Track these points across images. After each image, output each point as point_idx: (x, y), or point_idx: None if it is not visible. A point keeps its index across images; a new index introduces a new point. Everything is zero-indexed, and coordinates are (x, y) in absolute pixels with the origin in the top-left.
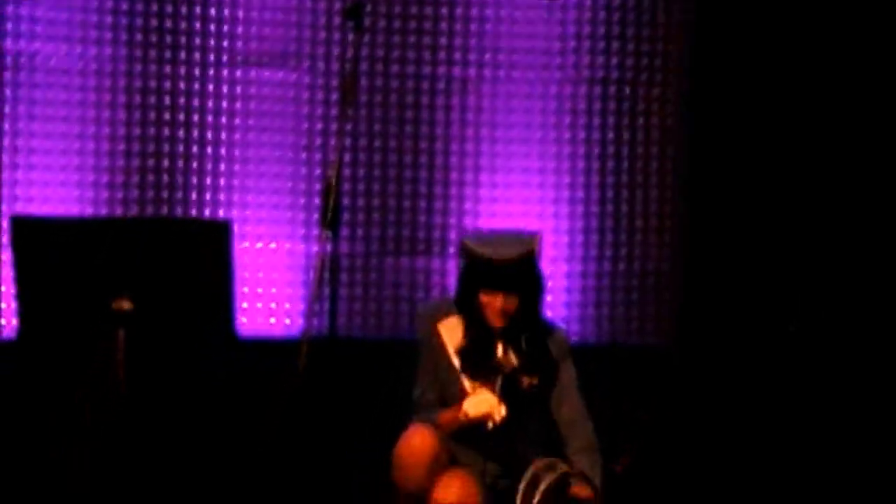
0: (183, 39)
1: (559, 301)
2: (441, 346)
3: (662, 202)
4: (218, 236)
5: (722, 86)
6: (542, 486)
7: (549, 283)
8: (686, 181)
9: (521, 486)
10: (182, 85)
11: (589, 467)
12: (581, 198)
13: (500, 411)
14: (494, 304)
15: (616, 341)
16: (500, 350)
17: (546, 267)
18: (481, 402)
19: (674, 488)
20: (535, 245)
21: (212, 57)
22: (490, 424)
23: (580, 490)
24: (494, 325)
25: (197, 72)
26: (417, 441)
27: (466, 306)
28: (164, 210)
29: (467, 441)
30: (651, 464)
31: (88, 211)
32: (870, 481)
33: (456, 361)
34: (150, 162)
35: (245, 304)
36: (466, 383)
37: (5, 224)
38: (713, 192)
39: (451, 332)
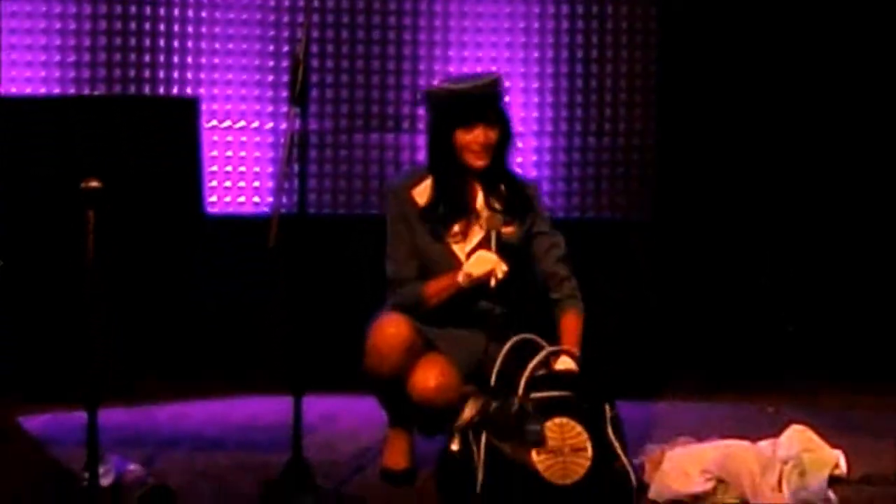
0: None
1: (530, 175)
2: (418, 214)
3: (634, 75)
4: (185, 114)
5: None
6: (526, 372)
7: (521, 159)
8: (661, 52)
9: (499, 360)
10: None
11: (573, 328)
12: (551, 72)
13: (502, 267)
14: (476, 139)
15: (588, 216)
16: (479, 198)
17: (518, 142)
18: (481, 261)
19: (653, 363)
20: (499, 76)
21: None
22: (493, 282)
23: (564, 364)
24: (476, 165)
25: None
26: (392, 329)
27: (442, 154)
28: (132, 89)
29: (464, 320)
30: (630, 338)
31: (55, 90)
32: (845, 346)
33: (434, 222)
34: (117, 40)
35: (214, 183)
36: (456, 247)
37: None
38: (689, 64)
39: (427, 196)
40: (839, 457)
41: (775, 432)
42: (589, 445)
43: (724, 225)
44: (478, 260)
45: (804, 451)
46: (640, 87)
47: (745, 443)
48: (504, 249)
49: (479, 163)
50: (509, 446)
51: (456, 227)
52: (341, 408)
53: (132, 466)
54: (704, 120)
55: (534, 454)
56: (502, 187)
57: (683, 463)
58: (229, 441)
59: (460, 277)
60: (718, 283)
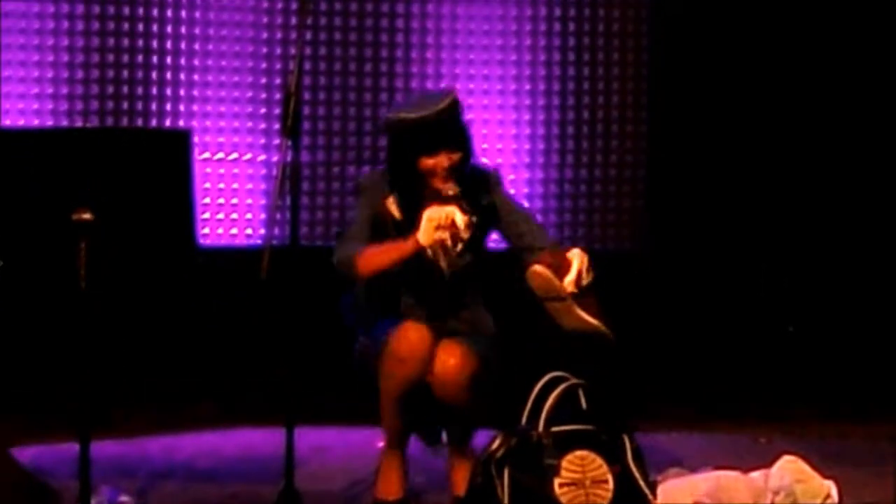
0: None
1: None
2: (387, 216)
3: (625, 106)
4: (178, 146)
5: None
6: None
7: (512, 191)
8: (651, 82)
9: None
10: None
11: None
12: (543, 104)
13: (464, 218)
14: (440, 163)
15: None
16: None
17: (510, 173)
18: (441, 209)
19: (645, 394)
20: (455, 95)
21: None
22: (447, 235)
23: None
24: (442, 188)
25: None
26: (414, 334)
27: (407, 180)
28: (124, 121)
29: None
30: (619, 368)
31: (48, 122)
32: (836, 374)
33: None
34: (110, 73)
35: (207, 215)
36: (430, 252)
37: None
38: (678, 95)
39: (397, 209)
40: (831, 487)
41: (767, 463)
42: (610, 477)
43: (716, 256)
44: (437, 208)
45: (796, 481)
46: (632, 117)
47: (737, 474)
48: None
49: (444, 185)
50: (531, 480)
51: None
52: (333, 439)
53: (124, 498)
54: (696, 145)
55: (556, 487)
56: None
57: (676, 494)
58: (222, 473)
59: (420, 231)
60: (710, 313)
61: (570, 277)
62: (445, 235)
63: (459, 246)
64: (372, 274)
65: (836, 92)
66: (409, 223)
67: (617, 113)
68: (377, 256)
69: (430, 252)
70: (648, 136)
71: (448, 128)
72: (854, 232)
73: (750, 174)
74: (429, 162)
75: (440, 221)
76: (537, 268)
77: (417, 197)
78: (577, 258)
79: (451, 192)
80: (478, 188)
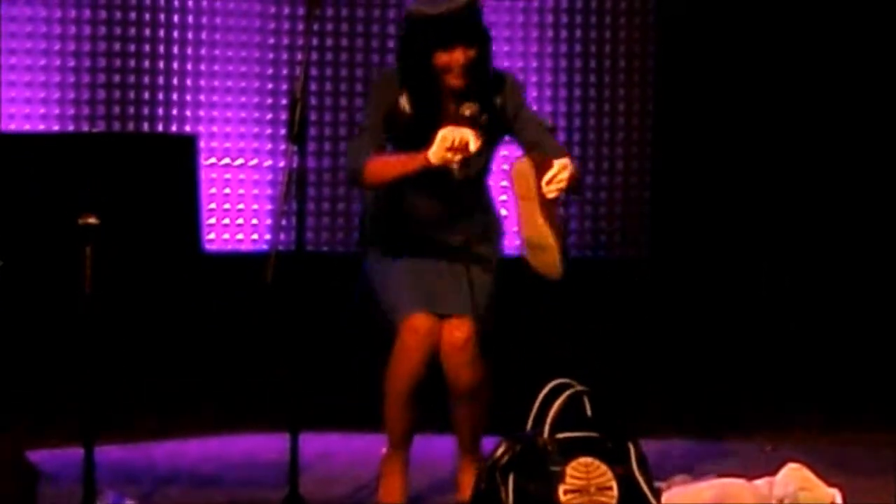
0: None
1: None
2: (398, 114)
3: (631, 113)
4: (184, 151)
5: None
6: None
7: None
8: (656, 91)
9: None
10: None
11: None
12: (549, 111)
13: (476, 141)
14: (455, 60)
15: (586, 255)
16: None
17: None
18: (456, 128)
19: (646, 401)
20: None
21: None
22: (458, 158)
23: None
24: (455, 85)
25: None
26: (423, 326)
27: (421, 75)
28: (130, 126)
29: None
30: (621, 377)
31: (54, 127)
32: (840, 381)
33: (418, 134)
34: (116, 78)
35: (213, 220)
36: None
37: None
38: (683, 101)
39: (410, 107)
40: (836, 495)
41: (772, 471)
42: (614, 484)
43: (719, 263)
44: (452, 127)
45: (801, 489)
46: (637, 125)
47: (742, 481)
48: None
49: (457, 83)
50: (536, 486)
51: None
52: (338, 445)
53: (129, 503)
54: (698, 150)
55: (561, 493)
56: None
57: (680, 502)
58: (226, 478)
59: (432, 148)
60: (714, 320)
61: (546, 177)
62: (457, 158)
63: (468, 164)
64: (378, 185)
65: (836, 95)
66: (421, 121)
67: (623, 120)
68: (385, 169)
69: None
70: (653, 143)
71: (466, 24)
72: (856, 237)
73: (753, 178)
74: (444, 57)
75: (453, 143)
76: (521, 161)
77: (431, 95)
78: (559, 165)
79: (467, 113)
80: (494, 90)
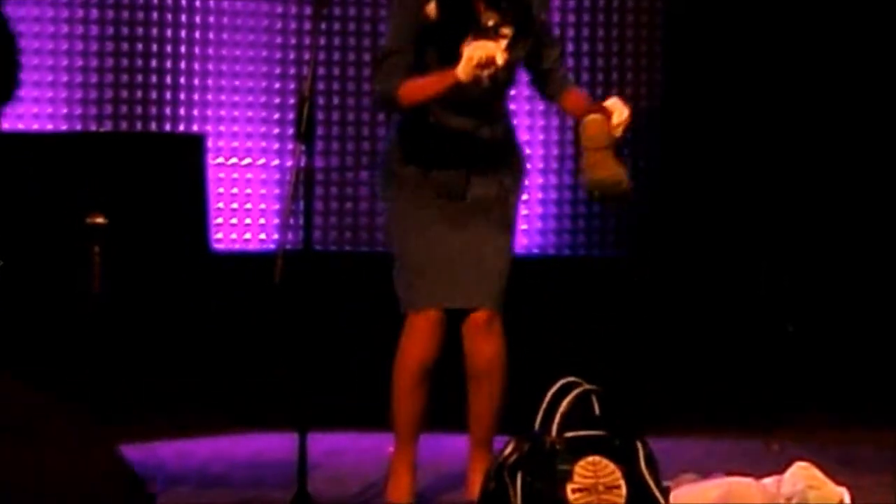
0: None
1: (537, 213)
2: (428, 28)
3: (637, 114)
4: (191, 151)
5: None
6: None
7: (527, 196)
8: (647, 95)
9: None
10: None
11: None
12: (541, 110)
13: (502, 55)
14: None
15: (581, 253)
16: (486, 17)
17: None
18: (482, 46)
19: (653, 400)
20: None
21: None
22: (491, 70)
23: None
24: (483, 18)
25: None
26: (428, 323)
27: None
28: (138, 125)
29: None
30: (627, 376)
31: (62, 127)
32: (848, 379)
33: (443, 40)
34: (124, 77)
35: (220, 220)
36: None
37: None
38: (673, 104)
39: (436, 13)
40: (844, 494)
41: (780, 469)
42: (623, 483)
43: (718, 260)
44: (477, 44)
45: (809, 487)
46: (644, 124)
47: (750, 480)
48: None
49: (484, 13)
50: (544, 485)
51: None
52: (346, 444)
53: None
54: (697, 150)
55: (569, 492)
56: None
57: (688, 500)
58: (235, 478)
59: (460, 65)
60: (716, 317)
61: (618, 121)
62: (486, 73)
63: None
64: (413, 106)
65: (835, 94)
66: (446, 28)
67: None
68: (418, 91)
69: None
70: (636, 142)
71: None
72: (858, 235)
73: (750, 176)
74: None
75: (480, 61)
76: (596, 116)
77: (458, 4)
78: (619, 108)
79: (490, 23)
80: (524, 13)
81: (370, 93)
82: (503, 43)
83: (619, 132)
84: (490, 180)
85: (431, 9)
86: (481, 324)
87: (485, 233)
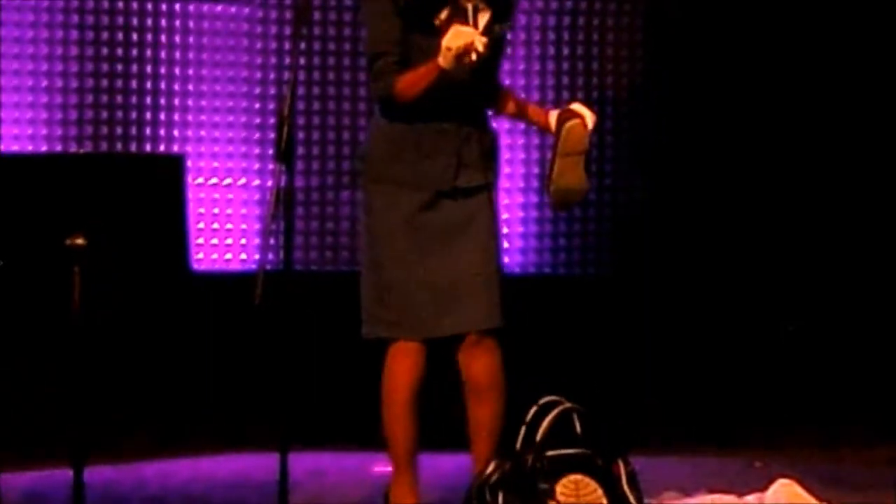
0: None
1: (516, 231)
2: (404, 4)
3: (621, 131)
4: (171, 171)
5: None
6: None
7: (507, 215)
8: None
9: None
10: (135, 20)
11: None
12: (521, 129)
13: (481, 40)
14: None
15: (560, 272)
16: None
17: (504, 198)
18: (459, 34)
19: (634, 418)
20: None
21: None
22: (473, 57)
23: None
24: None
25: (149, 6)
26: (407, 360)
27: None
28: (118, 146)
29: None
30: (607, 394)
31: (42, 148)
32: (834, 396)
33: (421, 13)
34: (104, 98)
35: (200, 240)
36: (442, 15)
37: None
38: (657, 121)
39: None
40: None
41: (762, 487)
42: (605, 501)
43: (699, 279)
44: (455, 33)
45: None
46: (627, 141)
47: (732, 497)
48: (485, 33)
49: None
50: None
51: (443, 15)
52: (328, 463)
53: None
54: (683, 164)
55: None
56: None
57: None
58: (216, 498)
59: (440, 57)
60: (700, 335)
61: (591, 126)
62: (466, 61)
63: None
64: (411, 100)
65: (826, 96)
66: (418, 4)
67: (612, 138)
68: (411, 87)
69: None
70: (616, 160)
71: None
72: (845, 244)
73: (735, 192)
74: None
75: (459, 50)
76: (577, 122)
77: None
78: (588, 112)
79: (469, 4)
80: None
81: (366, 97)
82: (482, 20)
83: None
84: (476, 171)
85: None
86: (473, 344)
87: (470, 246)
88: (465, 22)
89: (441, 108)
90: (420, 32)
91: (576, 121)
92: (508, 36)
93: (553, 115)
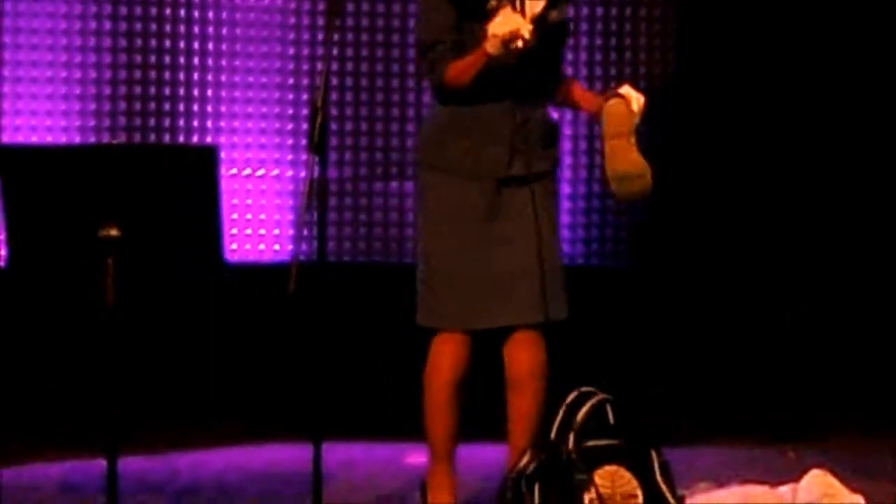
0: None
1: None
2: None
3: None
4: (204, 162)
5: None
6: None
7: None
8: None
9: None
10: (167, 11)
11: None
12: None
13: (527, 28)
14: None
15: (580, 262)
16: None
17: None
18: (505, 21)
19: (671, 409)
20: None
21: None
22: (519, 44)
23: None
24: None
25: None
26: (452, 349)
27: None
28: (151, 137)
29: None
30: (639, 384)
31: (75, 139)
32: (865, 385)
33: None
34: (137, 89)
35: (234, 231)
36: (493, 2)
37: None
38: (671, 115)
39: None
40: (860, 502)
41: (795, 477)
42: (640, 492)
43: (720, 269)
44: (502, 20)
45: (824, 496)
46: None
47: (765, 488)
48: (539, 20)
49: None
50: (561, 495)
51: (493, 1)
52: (360, 455)
53: None
54: (700, 157)
55: (587, 502)
56: None
57: None
58: (250, 489)
59: (486, 43)
60: (728, 325)
61: (637, 108)
62: (513, 47)
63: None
64: (463, 88)
65: (840, 96)
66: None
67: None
68: (461, 74)
69: None
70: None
71: None
72: (861, 236)
73: (752, 185)
74: None
75: (505, 37)
76: (619, 100)
77: None
78: (634, 95)
79: (525, 36)
80: None
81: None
82: (537, 7)
83: (637, 119)
84: (533, 159)
85: None
86: (519, 336)
87: (524, 237)
88: (514, 8)
89: (496, 95)
90: (473, 19)
91: (616, 100)
92: (570, 25)
93: (601, 100)
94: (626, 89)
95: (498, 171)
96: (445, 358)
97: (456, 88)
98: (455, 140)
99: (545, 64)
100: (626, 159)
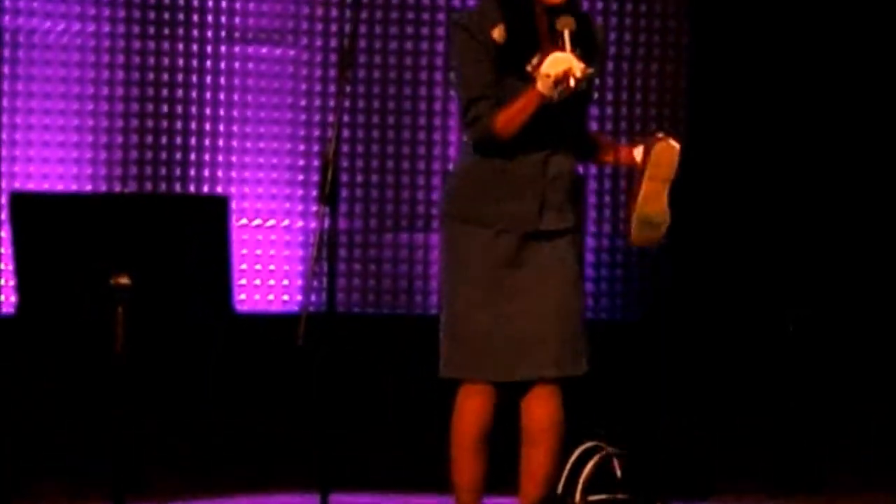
0: (181, 16)
1: None
2: (497, 51)
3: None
4: (215, 212)
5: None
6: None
7: None
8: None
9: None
10: (180, 61)
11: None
12: None
13: (579, 65)
14: None
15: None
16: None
17: None
18: (558, 61)
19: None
20: None
21: (210, 33)
22: (571, 83)
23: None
24: (559, 24)
25: (195, 48)
26: (478, 401)
27: (517, 5)
28: (163, 186)
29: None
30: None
31: (87, 187)
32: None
33: (514, 58)
34: (149, 138)
35: (244, 281)
36: (535, 60)
37: (4, 200)
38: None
39: (503, 35)
40: None
41: None
42: None
43: (731, 322)
44: (553, 60)
45: None
46: None
47: None
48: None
49: (560, 19)
50: None
51: (534, 61)
52: None
53: None
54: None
55: None
56: (573, 25)
57: None
58: None
59: (539, 84)
60: (737, 378)
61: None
62: (564, 86)
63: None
64: (513, 135)
65: (830, 104)
66: (511, 49)
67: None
68: (512, 121)
69: None
70: None
71: None
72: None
73: (760, 233)
74: None
75: (558, 76)
76: (671, 143)
77: (524, 20)
78: (676, 145)
79: (566, 30)
80: (591, 36)
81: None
82: (577, 52)
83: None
84: (561, 214)
85: (498, 33)
86: (537, 392)
87: (550, 292)
88: (561, 49)
89: (529, 148)
90: (513, 76)
91: (668, 143)
92: (596, 81)
93: (639, 147)
94: (667, 138)
95: (528, 224)
96: (470, 409)
97: (507, 137)
98: (487, 193)
99: (575, 118)
100: (658, 205)
